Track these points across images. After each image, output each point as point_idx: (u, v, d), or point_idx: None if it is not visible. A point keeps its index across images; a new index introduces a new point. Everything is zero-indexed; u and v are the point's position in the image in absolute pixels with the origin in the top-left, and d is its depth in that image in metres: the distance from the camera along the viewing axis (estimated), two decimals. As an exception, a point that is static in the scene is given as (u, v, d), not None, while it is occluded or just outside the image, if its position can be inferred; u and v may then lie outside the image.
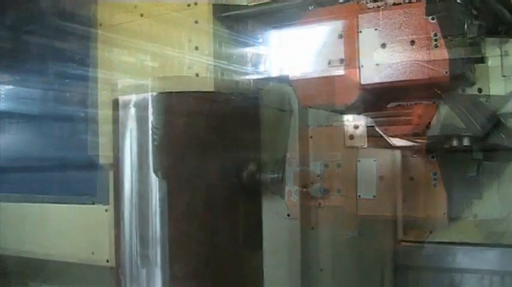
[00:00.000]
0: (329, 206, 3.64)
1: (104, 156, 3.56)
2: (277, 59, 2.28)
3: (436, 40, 1.93)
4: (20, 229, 4.35)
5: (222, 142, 2.24)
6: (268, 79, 2.64)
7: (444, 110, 2.13)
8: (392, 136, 2.45)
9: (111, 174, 3.58)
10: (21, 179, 4.47)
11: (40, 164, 4.29)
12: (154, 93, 2.24)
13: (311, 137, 3.71)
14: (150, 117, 2.23)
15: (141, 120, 2.26)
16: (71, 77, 3.87)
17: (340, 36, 2.03)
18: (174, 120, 2.23)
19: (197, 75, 3.20)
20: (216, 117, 2.23)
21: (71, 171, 4.12)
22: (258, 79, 3.22)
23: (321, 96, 2.12)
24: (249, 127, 2.33)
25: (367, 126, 2.52)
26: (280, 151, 3.61)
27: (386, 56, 1.97)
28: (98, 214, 3.85)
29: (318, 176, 3.68)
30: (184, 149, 2.22)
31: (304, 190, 3.64)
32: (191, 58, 3.21)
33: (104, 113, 3.52)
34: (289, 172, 3.62)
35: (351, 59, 2.02)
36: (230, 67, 3.25)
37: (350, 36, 2.02)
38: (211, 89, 3.11)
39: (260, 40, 3.35)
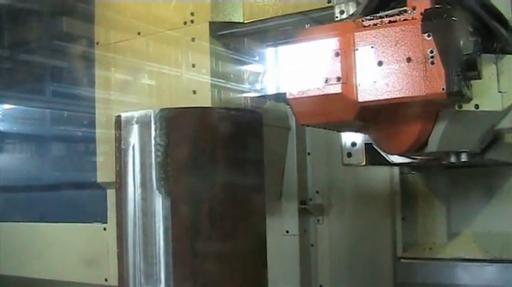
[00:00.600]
0: (329, 222, 3.66)
1: (102, 174, 3.57)
2: (274, 76, 2.28)
3: (432, 57, 1.95)
4: (13, 248, 4.34)
5: (226, 158, 2.28)
6: (265, 97, 2.66)
7: (441, 126, 2.13)
8: (390, 153, 2.46)
9: (109, 192, 3.63)
10: (15, 199, 4.47)
11: (35, 183, 4.29)
12: (157, 110, 2.27)
13: (309, 153, 3.74)
14: (153, 134, 2.26)
15: (144, 137, 2.29)
16: (69, 97, 3.89)
17: (337, 54, 2.05)
18: (177, 136, 2.26)
19: (194, 92, 3.21)
20: (220, 133, 2.27)
21: (67, 190, 4.13)
22: (255, 97, 3.25)
23: (318, 115, 2.12)
24: (253, 142, 2.38)
25: (365, 144, 2.53)
26: (279, 166, 3.64)
27: (383, 74, 1.98)
28: (96, 232, 3.84)
29: (317, 192, 3.70)
30: (188, 166, 2.25)
31: (303, 206, 3.65)
32: (189, 77, 3.23)
33: (102, 132, 3.54)
34: (288, 184, 3.63)
35: (348, 77, 2.03)
36: (227, 85, 3.28)
37: (347, 54, 2.04)
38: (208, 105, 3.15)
39: (256, 58, 3.39)
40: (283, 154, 3.71)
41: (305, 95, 2.08)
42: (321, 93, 2.04)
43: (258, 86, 3.24)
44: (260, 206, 2.39)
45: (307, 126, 2.43)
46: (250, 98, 3.31)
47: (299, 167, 3.72)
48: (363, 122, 2.11)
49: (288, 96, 2.12)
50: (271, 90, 2.29)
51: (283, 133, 3.70)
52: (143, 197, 2.28)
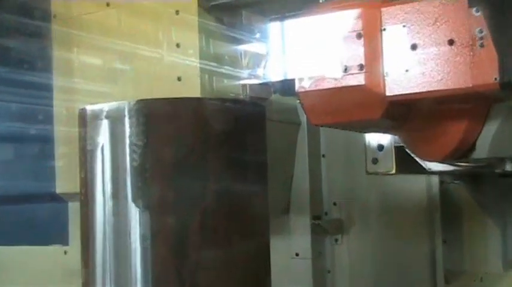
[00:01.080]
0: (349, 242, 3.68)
1: (62, 184, 3.58)
2: (279, 59, 2.30)
3: (481, 38, 1.96)
4: None
5: (221, 161, 2.31)
6: (268, 85, 2.69)
7: (493, 126, 2.16)
8: (427, 159, 2.48)
9: (71, 206, 3.65)
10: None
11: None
12: (133, 101, 2.30)
13: (323, 155, 3.76)
14: (128, 132, 2.29)
15: (116, 136, 2.32)
16: (18, 85, 3.89)
17: (359, 36, 2.08)
18: (158, 134, 2.29)
19: (179, 79, 3.25)
20: (213, 130, 2.31)
21: (16, 204, 4.13)
22: (256, 85, 3.27)
23: (335, 112, 2.15)
24: (253, 141, 2.42)
25: (395, 147, 2.56)
26: (286, 172, 3.66)
27: (418, 60, 2.01)
28: (54, 257, 3.85)
29: (334, 204, 3.72)
30: (173, 171, 2.28)
31: (317, 222, 3.68)
32: (172, 59, 3.26)
33: (62, 129, 3.56)
34: (298, 196, 3.67)
35: (373, 65, 2.06)
36: (221, 70, 3.30)
37: (371, 36, 2.07)
38: (197, 95, 3.19)
39: (257, 35, 3.41)
40: (292, 155, 3.76)
41: (319, 87, 2.10)
42: (339, 85, 2.07)
43: (259, 72, 3.27)
44: (263, 221, 2.42)
45: (321, 126, 2.45)
46: (250, 86, 3.34)
47: (311, 172, 3.77)
48: (392, 121, 2.13)
49: (297, 89, 2.14)
50: (276, 77, 2.31)
51: (292, 130, 3.75)
52: (116, 212, 2.30)
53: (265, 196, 2.43)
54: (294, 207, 3.73)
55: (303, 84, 2.18)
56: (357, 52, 2.09)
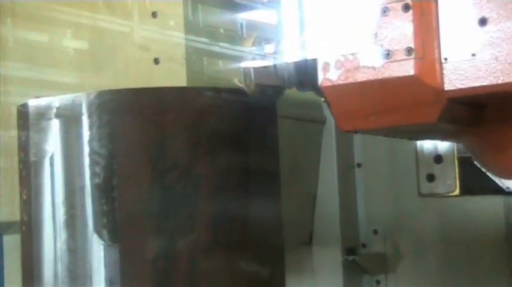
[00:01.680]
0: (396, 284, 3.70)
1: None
2: (294, 32, 2.31)
3: None
4: None
5: (215, 174, 2.33)
6: (276, 69, 2.70)
7: None
8: (504, 176, 2.49)
9: (7, 240, 3.66)
10: None
11: None
12: (93, 94, 2.32)
13: (359, 165, 3.77)
14: (87, 135, 2.31)
15: (71, 141, 2.35)
16: None
17: (407, 8, 2.08)
18: (128, 138, 2.31)
19: (157, 61, 3.28)
20: (205, 132, 2.34)
21: None
22: (263, 69, 3.28)
23: (374, 115, 2.14)
24: (260, 146, 2.45)
25: (459, 158, 2.57)
26: (307, 188, 3.67)
27: (489, 40, 2.02)
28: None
29: (375, 232, 3.73)
30: (150, 189, 2.30)
31: (351, 257, 3.69)
32: (146, 34, 3.27)
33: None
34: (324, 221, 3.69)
35: (426, 48, 2.06)
36: (214, 48, 3.32)
37: (424, 8, 2.07)
38: (182, 84, 3.21)
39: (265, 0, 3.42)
40: (315, 166, 3.78)
41: (350, 80, 2.10)
42: (379, 76, 2.06)
43: (267, 49, 3.28)
44: (275, 255, 2.45)
45: (355, 133, 2.44)
46: (256, 70, 3.34)
47: (342, 188, 3.79)
48: (453, 125, 2.14)
49: (321, 82, 2.14)
50: (290, 56, 2.32)
51: (314, 130, 3.78)
52: (72, 247, 2.33)
53: (278, 221, 2.46)
54: (319, 236, 3.74)
55: (329, 75, 2.17)
56: (403, 30, 2.09)
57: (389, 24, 2.09)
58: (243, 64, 3.25)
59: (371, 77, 2.11)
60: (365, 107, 2.17)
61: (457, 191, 2.62)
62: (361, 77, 2.13)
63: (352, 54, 2.13)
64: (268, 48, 2.99)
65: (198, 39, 3.28)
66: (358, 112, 2.19)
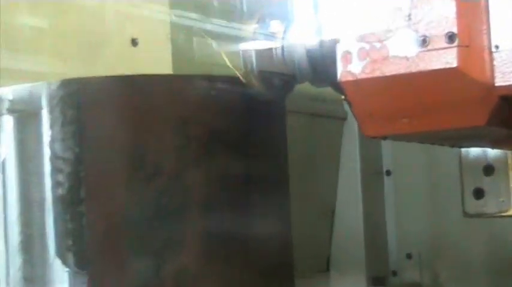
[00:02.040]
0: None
1: None
2: (308, 19, 2.32)
3: None
4: None
5: (210, 182, 2.34)
6: (283, 55, 2.70)
7: None
8: None
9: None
10: None
11: None
12: (56, 83, 2.32)
13: (388, 172, 3.77)
14: (48, 135, 2.31)
15: (28, 143, 2.36)
16: None
17: (447, -13, 2.08)
18: (102, 138, 2.32)
19: (134, 42, 3.28)
20: (196, 130, 2.35)
21: None
22: (268, 52, 3.27)
23: (407, 117, 2.13)
24: (265, 148, 2.46)
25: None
26: (323, 200, 3.68)
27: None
28: None
29: (409, 257, 3.74)
30: (127, 203, 2.30)
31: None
32: (121, 10, 3.28)
33: None
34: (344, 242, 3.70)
35: (471, 34, 2.05)
36: (206, 26, 3.32)
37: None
38: (167, 71, 3.27)
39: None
40: (333, 172, 3.78)
41: (377, 73, 2.09)
42: (413, 69, 2.06)
43: (273, 28, 3.27)
44: (283, 282, 2.46)
45: (383, 139, 2.44)
46: (257, 53, 3.34)
47: (367, 202, 3.78)
48: (506, 129, 2.13)
49: (340, 76, 2.13)
50: (302, 38, 2.32)
51: (332, 129, 3.77)
52: (28, 276, 2.33)
53: (287, 242, 2.47)
54: (339, 261, 3.74)
55: (351, 68, 2.16)
56: (443, 12, 2.08)
57: (426, 3, 2.08)
58: (243, 46, 3.23)
59: (403, 70, 2.10)
60: (395, 107, 2.16)
61: (511, 211, 2.61)
62: (390, 69, 2.11)
63: (380, 41, 2.10)
64: (275, 26, 2.95)
65: (186, 14, 3.29)
66: (387, 114, 2.18)
